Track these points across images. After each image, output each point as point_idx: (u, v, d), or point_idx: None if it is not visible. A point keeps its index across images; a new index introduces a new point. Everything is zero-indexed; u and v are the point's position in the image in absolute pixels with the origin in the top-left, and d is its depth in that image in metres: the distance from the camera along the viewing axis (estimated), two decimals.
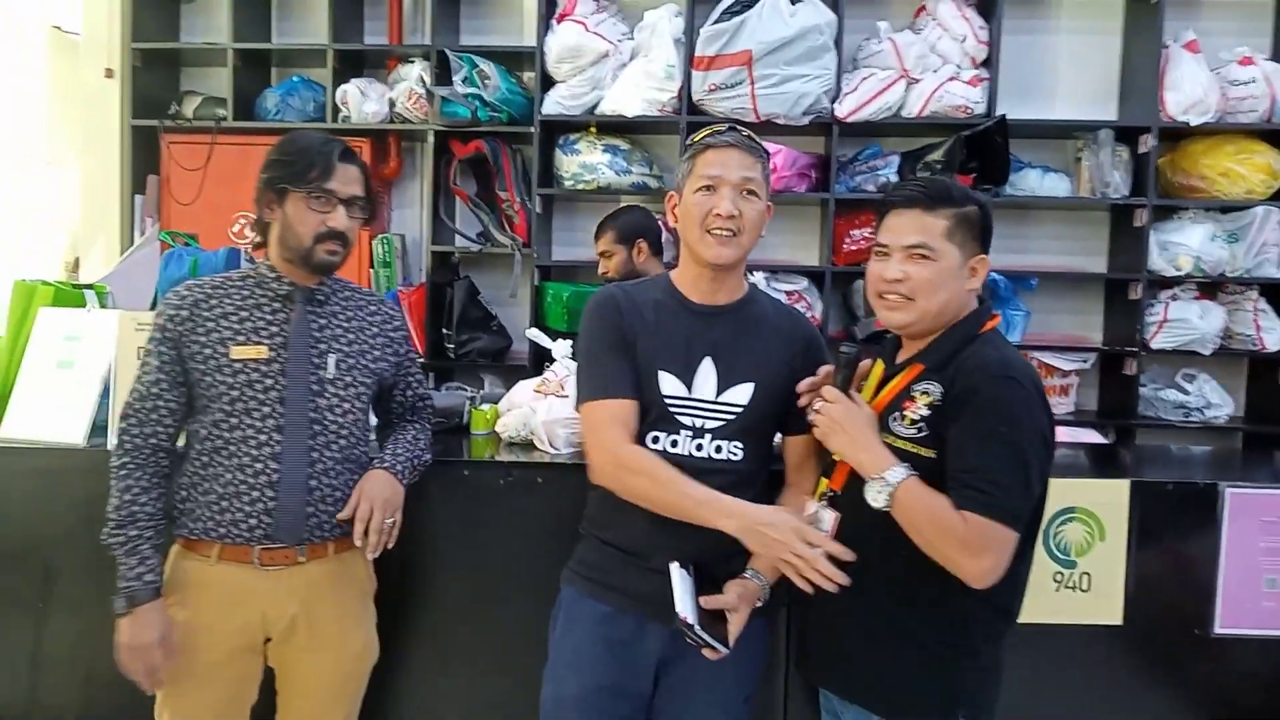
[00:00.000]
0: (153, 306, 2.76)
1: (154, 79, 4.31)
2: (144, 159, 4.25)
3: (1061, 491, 2.23)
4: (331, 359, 1.90)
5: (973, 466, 1.54)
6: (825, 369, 1.79)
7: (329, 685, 1.96)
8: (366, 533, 1.87)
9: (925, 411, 1.61)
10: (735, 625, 1.68)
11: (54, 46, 4.47)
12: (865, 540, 1.62)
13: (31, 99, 4.50)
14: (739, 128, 1.84)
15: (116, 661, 1.84)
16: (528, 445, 2.49)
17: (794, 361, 1.84)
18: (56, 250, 4.44)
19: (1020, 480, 1.55)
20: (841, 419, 1.66)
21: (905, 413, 1.64)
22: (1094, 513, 2.26)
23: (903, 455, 1.61)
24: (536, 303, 4.07)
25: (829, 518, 1.71)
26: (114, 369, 2.35)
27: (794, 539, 1.60)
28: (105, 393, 2.37)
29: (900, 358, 1.75)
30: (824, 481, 1.78)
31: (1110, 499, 2.26)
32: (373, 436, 2.13)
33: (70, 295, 2.67)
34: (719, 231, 1.78)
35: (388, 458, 1.98)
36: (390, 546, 1.93)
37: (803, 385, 1.79)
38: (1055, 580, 2.26)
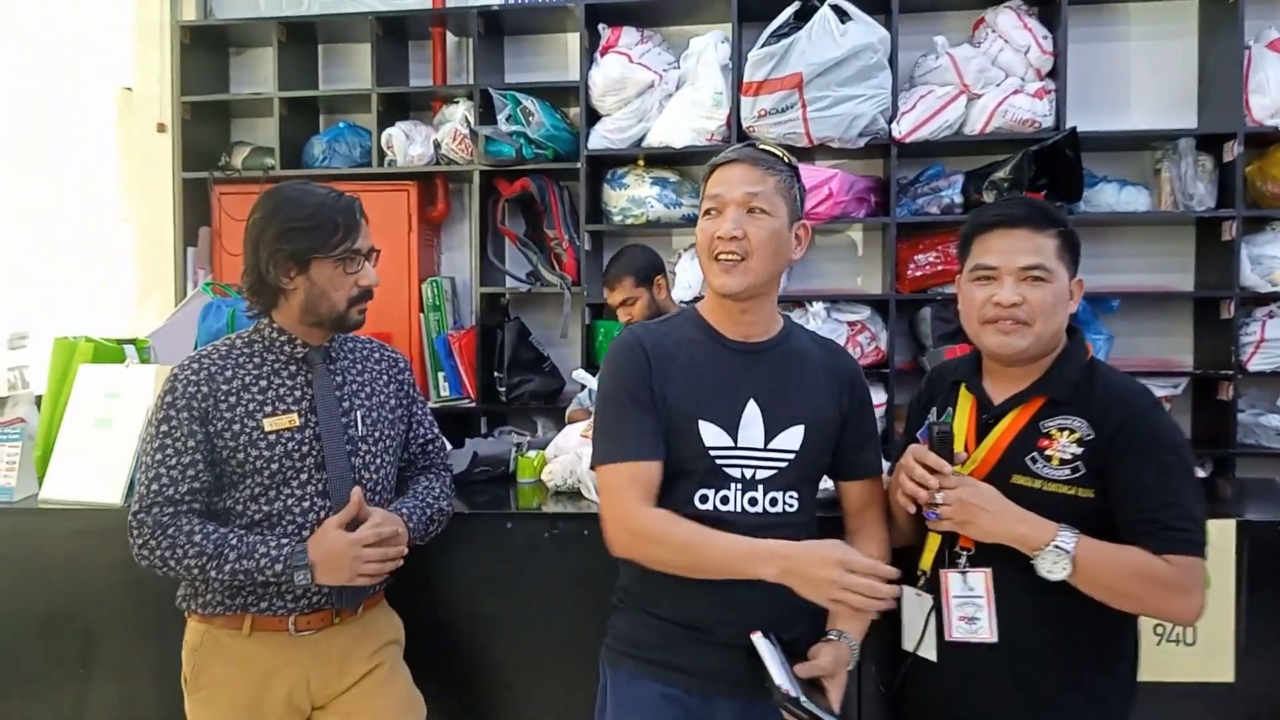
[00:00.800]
0: None
1: (204, 131, 4.33)
2: (196, 211, 4.27)
3: None
4: (358, 415, 1.85)
5: (1164, 503, 1.50)
6: (915, 451, 1.64)
7: None
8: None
9: (1076, 449, 1.55)
10: (836, 692, 1.56)
11: (121, 105, 4.54)
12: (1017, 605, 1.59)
13: (101, 157, 4.57)
14: (756, 143, 1.71)
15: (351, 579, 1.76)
16: (575, 494, 2.38)
17: (840, 400, 1.70)
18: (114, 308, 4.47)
19: (1202, 508, 1.53)
20: (976, 500, 1.57)
21: (1048, 452, 1.56)
22: None
23: (1057, 499, 1.55)
24: (588, 342, 3.96)
25: (979, 579, 1.61)
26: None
27: (837, 570, 1.45)
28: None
29: (997, 394, 1.64)
30: (926, 559, 1.68)
31: (1215, 541, 2.02)
32: None
33: (110, 351, 2.64)
34: (723, 257, 1.62)
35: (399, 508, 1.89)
36: (389, 582, 1.88)
37: (911, 487, 1.62)
38: (1156, 634, 2.06)
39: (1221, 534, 2.04)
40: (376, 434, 1.87)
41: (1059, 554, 1.50)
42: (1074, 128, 3.52)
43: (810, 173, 3.68)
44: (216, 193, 4.22)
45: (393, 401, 1.94)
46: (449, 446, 2.14)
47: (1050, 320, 1.58)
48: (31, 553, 2.28)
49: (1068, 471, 1.54)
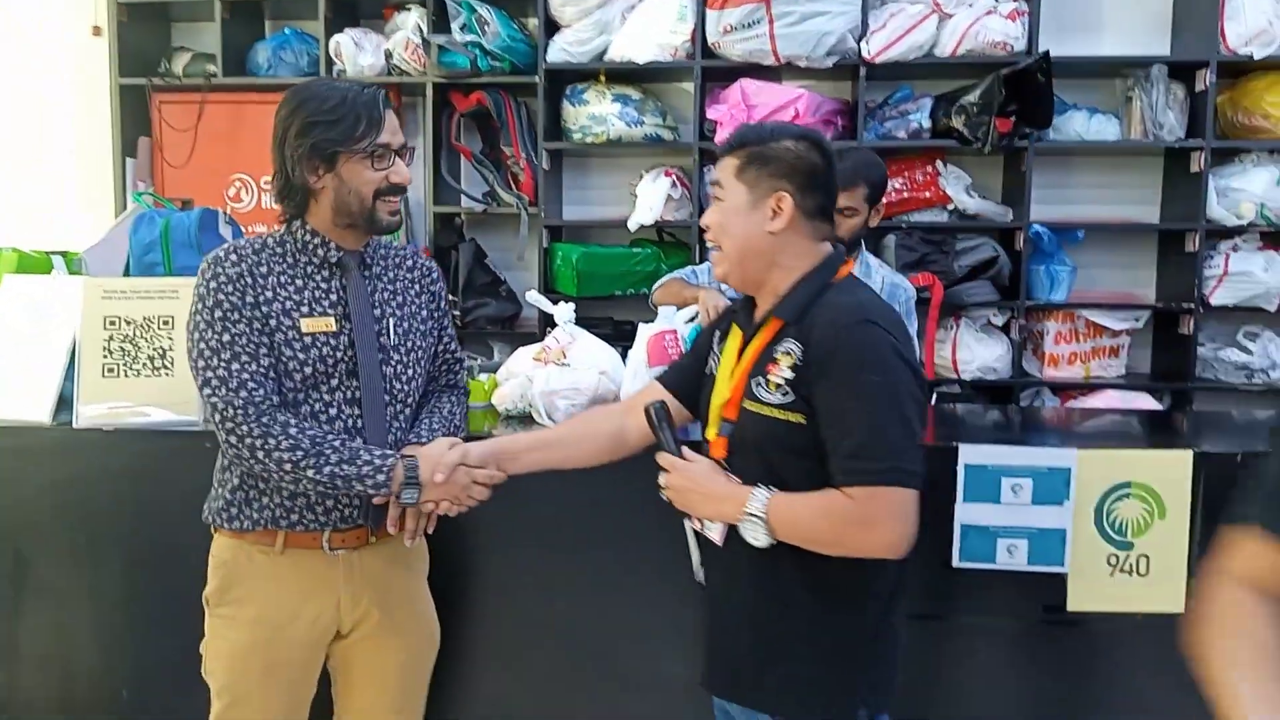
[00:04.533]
0: (126, 273, 2.61)
1: (142, 35, 4.08)
2: (135, 120, 4.05)
3: (1115, 464, 2.03)
4: (390, 323, 1.79)
5: (848, 429, 1.43)
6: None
7: (403, 674, 1.86)
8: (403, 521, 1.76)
9: (789, 374, 1.49)
10: None
11: (53, 6, 4.27)
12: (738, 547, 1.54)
13: (32, 62, 4.33)
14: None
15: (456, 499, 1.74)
16: (526, 417, 2.32)
17: None
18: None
19: (900, 433, 1.43)
20: (686, 484, 1.57)
21: (769, 376, 1.51)
22: (1153, 488, 2.04)
23: (773, 424, 1.49)
24: (546, 265, 3.85)
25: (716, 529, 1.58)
26: (79, 341, 2.19)
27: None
28: (71, 366, 2.21)
29: (757, 316, 1.61)
30: None
31: (1171, 473, 2.04)
32: None
33: (36, 262, 2.52)
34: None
35: (424, 433, 1.83)
36: (429, 531, 1.81)
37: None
38: (1110, 564, 2.05)
39: (1179, 465, 2.03)
40: (409, 344, 1.81)
41: (753, 521, 1.47)
42: (1046, 52, 3.42)
43: (777, 92, 3.57)
44: (156, 101, 4.01)
45: (424, 312, 1.88)
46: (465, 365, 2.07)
47: (729, 237, 1.57)
48: None
49: (779, 396, 1.49)
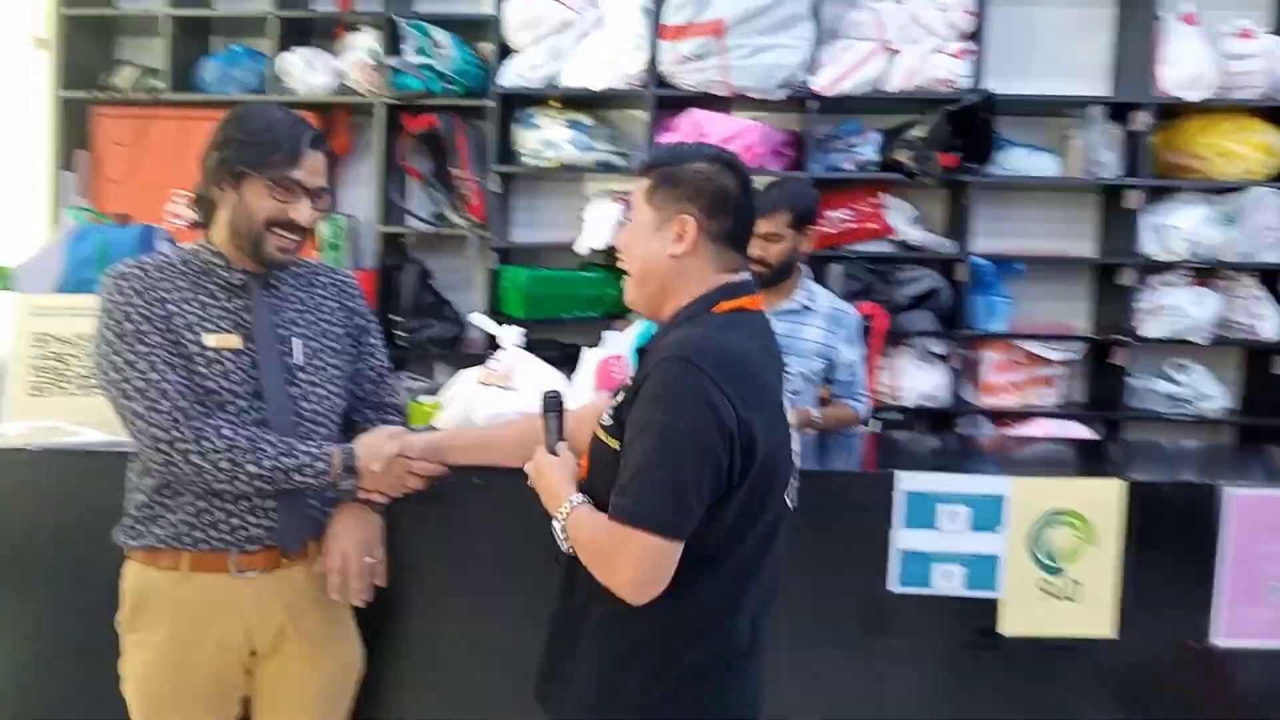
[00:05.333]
0: (61, 290, 2.54)
1: (85, 48, 4.02)
2: (73, 134, 3.98)
3: (1048, 492, 2.07)
4: (297, 344, 1.76)
5: (626, 462, 1.39)
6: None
7: (321, 699, 1.82)
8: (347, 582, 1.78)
9: (618, 400, 1.50)
10: None
11: None
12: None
13: None
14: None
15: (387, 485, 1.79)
16: None
17: None
18: None
19: (669, 478, 1.35)
20: (534, 474, 1.57)
21: (612, 402, 1.52)
22: (1083, 515, 2.07)
23: (601, 448, 1.49)
24: (492, 288, 3.84)
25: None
26: (8, 358, 2.14)
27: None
28: None
29: None
30: None
31: (1101, 500, 2.08)
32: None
33: None
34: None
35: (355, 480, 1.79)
36: (380, 584, 1.82)
37: None
38: (1041, 590, 2.07)
39: (1109, 493, 2.07)
40: (316, 363, 1.78)
41: (558, 525, 1.47)
42: (989, 92, 3.51)
43: (729, 123, 3.61)
44: (96, 115, 3.94)
45: (339, 330, 1.84)
46: (400, 386, 2.06)
47: (633, 259, 1.54)
48: None
49: (607, 420, 1.49)
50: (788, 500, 1.55)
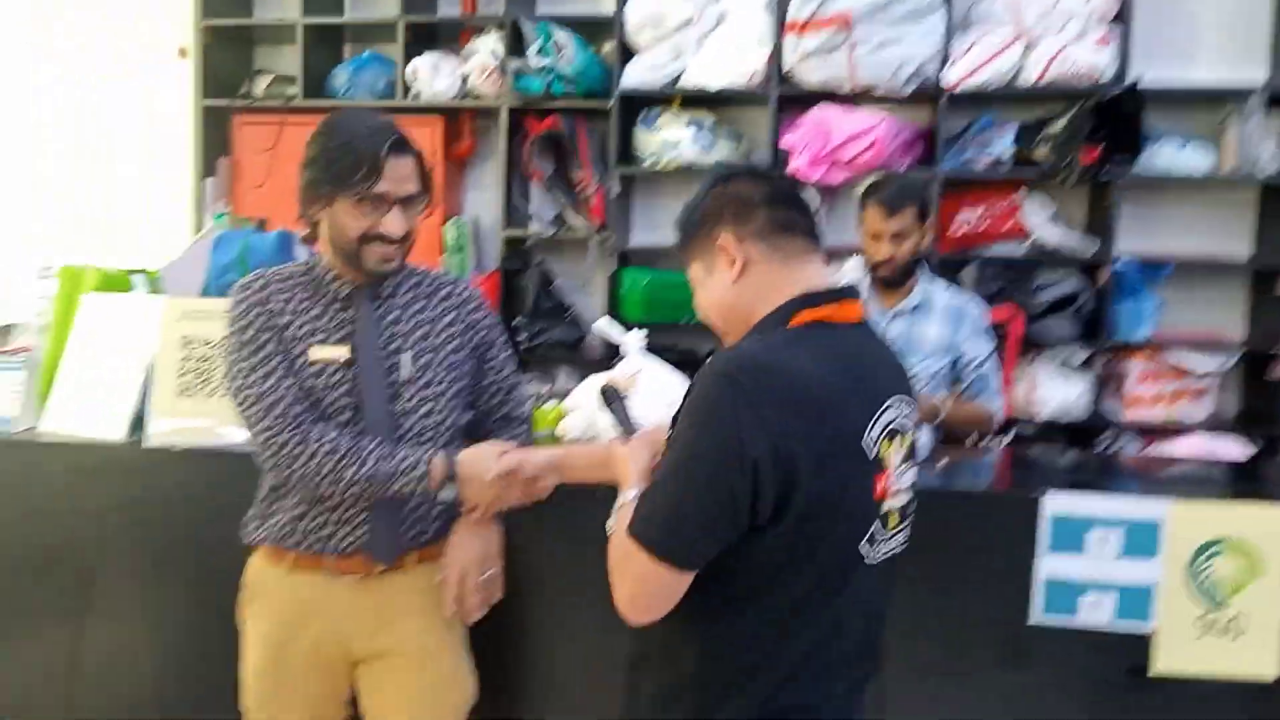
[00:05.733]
0: (205, 293, 2.63)
1: (225, 58, 4.20)
2: (215, 141, 4.15)
3: (1211, 517, 1.92)
4: (406, 358, 1.74)
5: (657, 470, 1.33)
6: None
7: (418, 711, 1.79)
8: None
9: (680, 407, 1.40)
10: None
11: (141, 28, 4.41)
12: None
13: (118, 84, 4.47)
14: None
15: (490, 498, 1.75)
16: None
17: None
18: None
19: (673, 502, 1.26)
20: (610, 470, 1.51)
21: None
22: (1250, 543, 1.91)
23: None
24: (613, 291, 3.83)
25: None
26: (155, 359, 2.21)
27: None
28: (147, 384, 2.24)
29: None
30: None
31: (1271, 529, 1.91)
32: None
33: (117, 280, 2.54)
34: None
35: None
36: (499, 597, 1.82)
37: None
38: (1199, 624, 1.93)
39: (1269, 521, 1.90)
40: (427, 378, 1.75)
41: (611, 522, 1.38)
42: (1136, 82, 3.30)
43: (855, 119, 3.51)
44: (237, 123, 4.10)
45: (455, 343, 1.80)
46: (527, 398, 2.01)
47: (708, 311, 1.43)
48: (29, 486, 2.21)
49: (670, 430, 1.38)
50: (865, 550, 1.32)
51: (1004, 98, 3.59)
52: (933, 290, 2.61)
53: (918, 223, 2.51)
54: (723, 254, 1.37)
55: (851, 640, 1.37)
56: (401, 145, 1.68)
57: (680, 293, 3.68)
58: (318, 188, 1.67)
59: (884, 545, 1.35)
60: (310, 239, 1.78)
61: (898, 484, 1.34)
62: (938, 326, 2.58)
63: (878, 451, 1.30)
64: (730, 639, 1.32)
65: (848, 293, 1.37)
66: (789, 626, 1.31)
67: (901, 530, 1.38)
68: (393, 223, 1.67)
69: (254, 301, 1.72)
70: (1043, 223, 3.56)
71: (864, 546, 1.31)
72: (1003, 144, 3.55)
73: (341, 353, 1.71)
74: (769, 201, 1.38)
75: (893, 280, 2.57)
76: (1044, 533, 1.93)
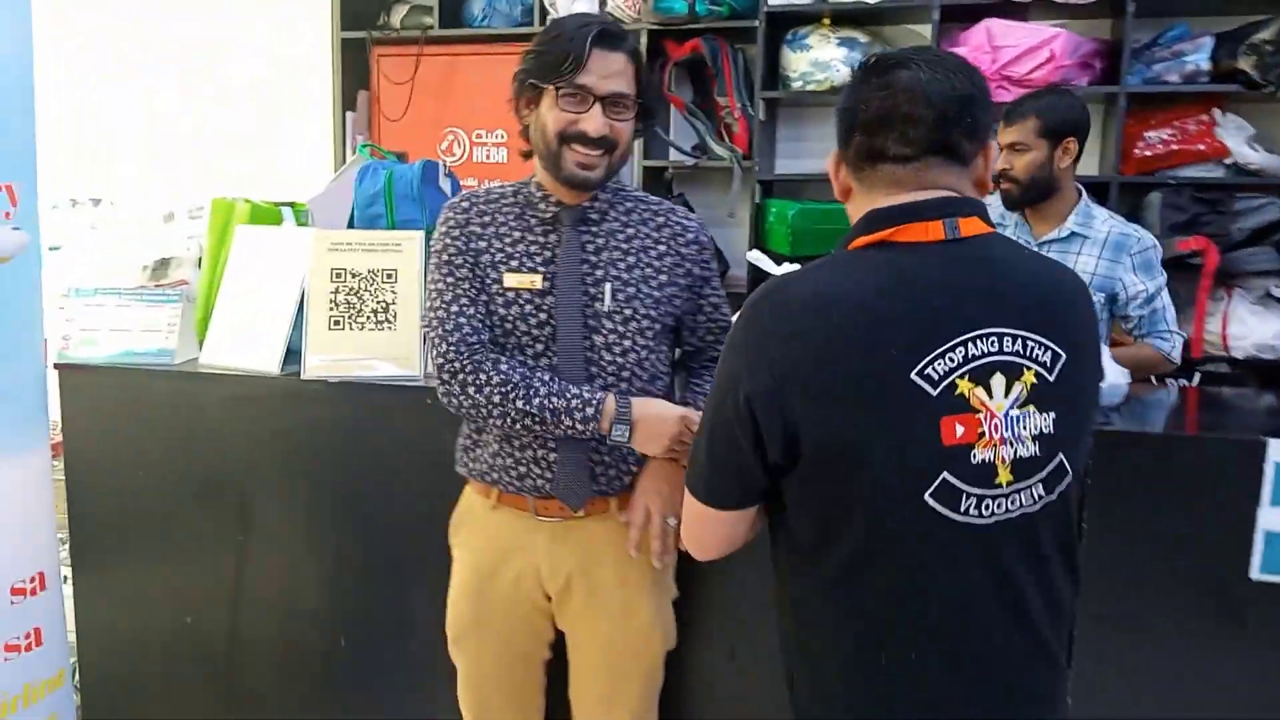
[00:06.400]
0: (350, 225, 2.61)
1: None
2: (354, 74, 4.13)
3: None
4: (608, 288, 1.63)
5: None
6: None
7: (615, 658, 1.75)
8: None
9: None
10: None
11: None
12: None
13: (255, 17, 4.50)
14: None
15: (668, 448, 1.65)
16: None
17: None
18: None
19: (700, 439, 1.26)
20: None
21: None
22: None
23: None
24: (758, 223, 3.65)
25: None
26: (306, 292, 2.19)
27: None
28: (299, 317, 2.22)
29: None
30: None
31: None
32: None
33: (267, 213, 2.54)
34: None
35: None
36: (676, 552, 1.70)
37: None
38: None
39: None
40: (628, 311, 1.64)
41: None
42: None
43: (1027, 32, 3.21)
44: (375, 54, 4.07)
45: (662, 278, 1.67)
46: None
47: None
48: (190, 416, 2.24)
49: None
50: (938, 505, 1.13)
51: (1200, 3, 3.22)
52: (1094, 219, 2.44)
53: (1043, 139, 2.37)
54: (830, 165, 1.28)
55: (957, 625, 1.17)
56: (610, 38, 1.56)
57: (830, 222, 3.52)
58: (524, 83, 1.61)
59: (994, 503, 1.14)
60: (527, 154, 1.70)
61: (1007, 430, 1.13)
62: (1094, 258, 2.42)
63: (949, 389, 1.11)
64: (796, 603, 1.26)
65: (924, 210, 1.16)
66: (844, 594, 1.18)
67: (1029, 487, 1.16)
68: (593, 120, 1.55)
69: (456, 223, 1.68)
70: (1242, 143, 3.19)
71: (936, 501, 1.12)
72: (1199, 55, 3.18)
73: (535, 280, 1.63)
74: (867, 126, 1.19)
75: (1014, 199, 2.42)
76: (1269, 481, 1.71)
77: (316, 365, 2.16)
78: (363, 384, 2.12)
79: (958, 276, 1.15)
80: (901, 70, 1.16)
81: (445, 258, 1.66)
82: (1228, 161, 3.21)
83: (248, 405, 2.21)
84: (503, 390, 1.58)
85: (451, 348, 1.61)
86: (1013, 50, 3.17)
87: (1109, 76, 3.30)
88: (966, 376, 1.11)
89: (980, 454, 1.12)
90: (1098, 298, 2.39)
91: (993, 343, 1.13)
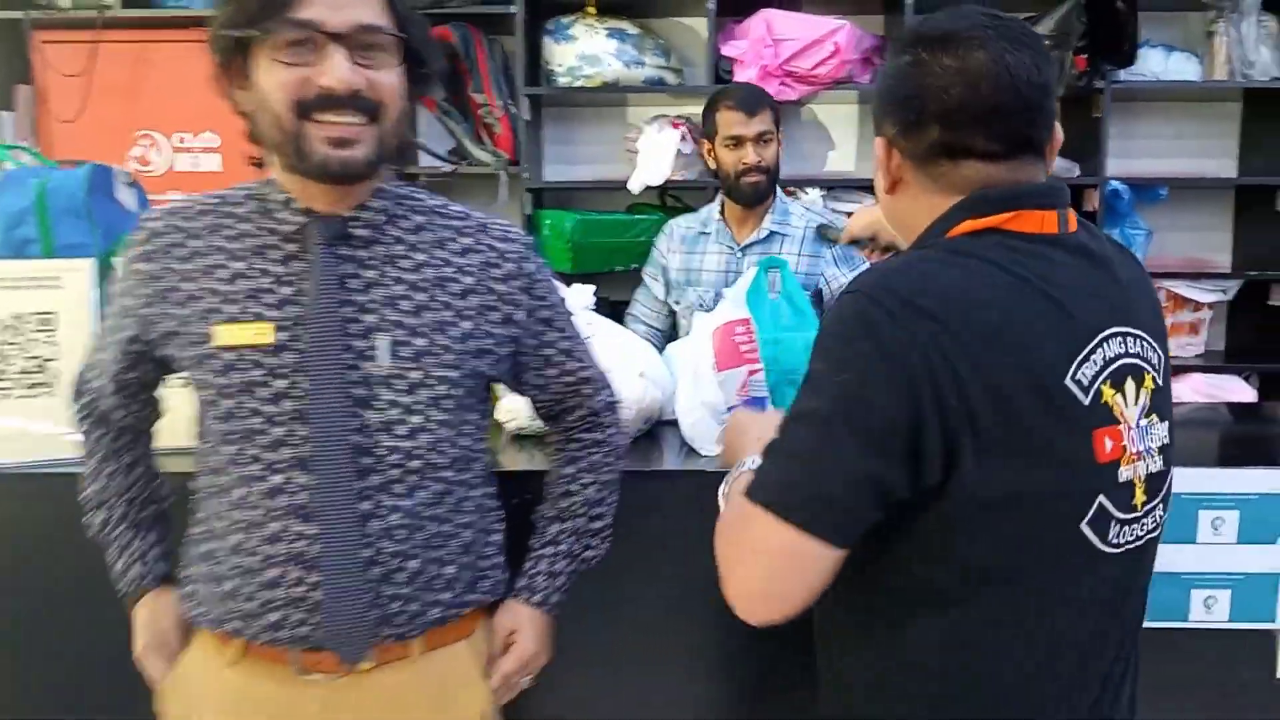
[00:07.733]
0: None
1: None
2: (11, 65, 3.33)
3: None
4: (382, 341, 1.11)
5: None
6: None
7: None
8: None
9: None
10: None
11: None
12: None
13: None
14: None
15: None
16: (540, 438, 1.69)
17: None
18: None
19: (804, 448, 0.94)
20: (728, 437, 1.27)
21: None
22: None
23: None
24: (529, 235, 3.23)
25: None
26: None
27: None
28: None
29: None
30: None
31: None
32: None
33: None
34: None
35: (541, 572, 1.29)
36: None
37: None
38: None
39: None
40: (415, 375, 1.12)
41: (723, 493, 1.13)
42: None
43: (809, 24, 3.01)
44: (36, 40, 3.29)
45: (468, 324, 1.15)
46: (613, 387, 1.36)
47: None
48: None
49: None
50: (1090, 533, 0.98)
51: None
52: (789, 215, 2.37)
53: (775, 129, 2.35)
54: (879, 151, 1.08)
55: (1075, 663, 1.02)
56: None
57: (615, 234, 3.16)
58: (225, 45, 1.06)
59: (1129, 529, 1.01)
60: (258, 162, 1.16)
61: (1141, 443, 1.00)
62: (795, 255, 2.34)
63: (1095, 397, 0.96)
64: (906, 661, 1.01)
65: (1034, 197, 1.00)
66: (987, 641, 0.99)
67: (1154, 509, 1.04)
68: (335, 69, 1.03)
69: (138, 254, 1.15)
70: None
71: (1089, 528, 0.97)
72: None
73: (265, 331, 1.09)
74: (943, 116, 0.99)
75: (763, 191, 2.33)
76: None
77: None
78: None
79: (1078, 272, 1.01)
80: (978, 50, 0.98)
81: (112, 299, 1.21)
82: None
83: None
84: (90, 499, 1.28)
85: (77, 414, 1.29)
86: (795, 44, 2.96)
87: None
88: (1108, 381, 0.98)
89: (1125, 472, 0.99)
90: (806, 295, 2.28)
91: (1120, 344, 1.00)
